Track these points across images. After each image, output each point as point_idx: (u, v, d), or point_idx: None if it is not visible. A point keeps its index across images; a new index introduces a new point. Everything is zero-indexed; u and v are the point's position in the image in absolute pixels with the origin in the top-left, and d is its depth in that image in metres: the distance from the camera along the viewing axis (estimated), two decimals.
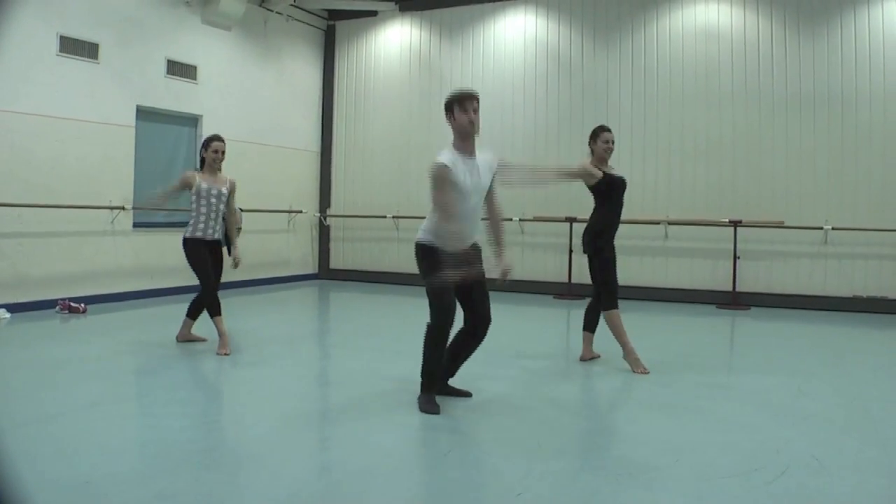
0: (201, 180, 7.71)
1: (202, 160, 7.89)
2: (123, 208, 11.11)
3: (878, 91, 11.50)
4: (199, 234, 7.70)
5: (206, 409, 5.83)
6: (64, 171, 10.37)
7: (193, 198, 7.73)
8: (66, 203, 10.34)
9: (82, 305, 10.16)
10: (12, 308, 9.64)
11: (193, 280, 7.59)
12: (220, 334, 7.69)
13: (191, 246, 7.70)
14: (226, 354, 7.51)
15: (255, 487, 3.98)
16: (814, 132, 11.88)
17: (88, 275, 10.81)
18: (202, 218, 7.70)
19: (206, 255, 7.72)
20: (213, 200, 7.73)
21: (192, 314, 8.10)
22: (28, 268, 10.04)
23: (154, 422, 5.28)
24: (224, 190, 7.83)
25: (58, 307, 10.10)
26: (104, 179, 10.92)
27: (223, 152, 7.85)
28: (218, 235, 7.87)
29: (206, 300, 7.80)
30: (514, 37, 13.97)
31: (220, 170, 7.90)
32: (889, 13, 11.44)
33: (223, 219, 7.91)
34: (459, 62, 14.40)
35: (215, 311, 7.74)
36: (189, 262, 7.75)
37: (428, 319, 5.55)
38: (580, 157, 13.08)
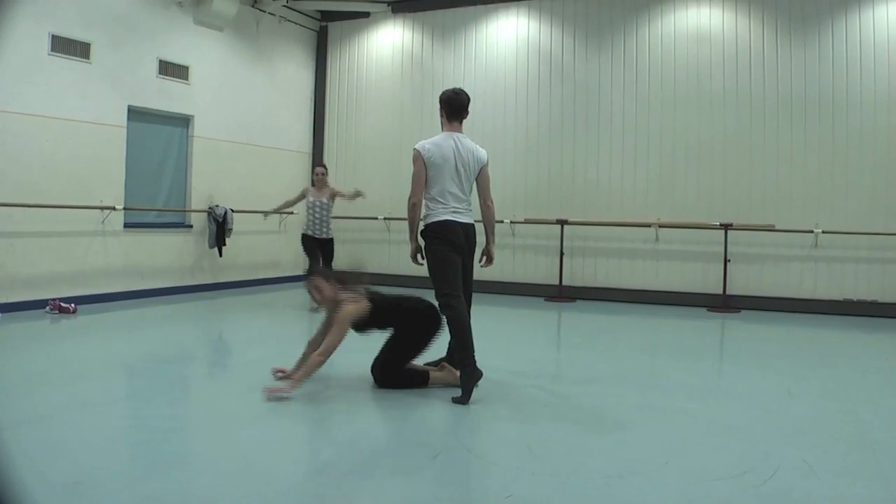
0: (309, 193, 11.22)
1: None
2: (114, 208, 11.07)
3: (869, 95, 11.55)
4: (308, 232, 11.12)
5: (197, 411, 5.83)
6: (55, 171, 10.32)
7: (307, 207, 11.19)
8: (57, 203, 10.28)
9: (72, 305, 10.11)
10: (2, 308, 9.60)
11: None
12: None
13: (303, 239, 11.25)
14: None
15: (246, 489, 3.98)
16: (804, 136, 11.93)
17: (79, 275, 10.78)
18: (309, 222, 11.13)
19: (313, 245, 11.08)
20: (318, 208, 11.06)
21: None
22: (18, 267, 10.00)
23: (144, 423, 5.26)
24: (325, 199, 11.11)
25: (48, 307, 10.05)
26: (95, 179, 10.88)
27: (322, 174, 11.40)
28: (324, 235, 11.13)
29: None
30: (507, 39, 13.99)
31: (325, 185, 11.30)
32: (879, 18, 11.50)
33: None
34: (452, 64, 14.41)
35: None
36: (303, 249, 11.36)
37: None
38: (571, 159, 13.24)
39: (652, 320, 11.04)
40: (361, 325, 6.21)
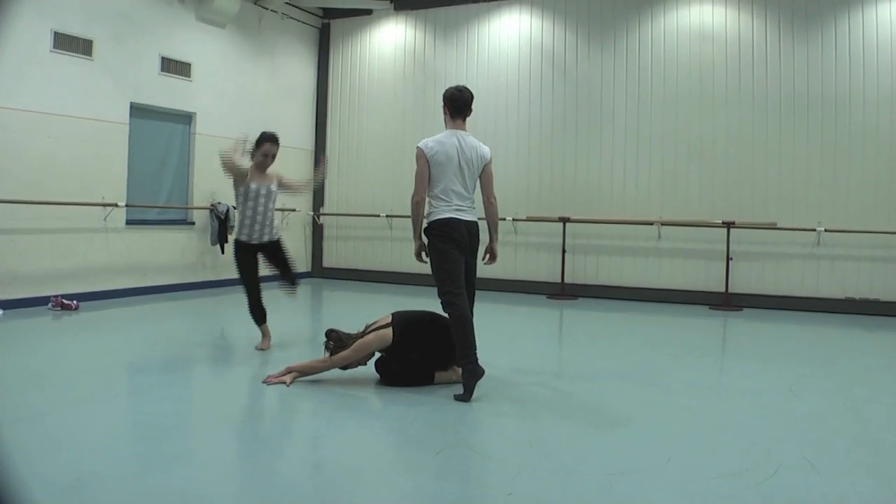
0: (251, 178, 7.54)
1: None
2: (116, 205, 11.09)
3: (871, 93, 11.54)
4: (243, 237, 7.59)
5: (198, 407, 5.84)
6: (57, 168, 10.34)
7: (241, 198, 7.55)
8: (59, 200, 10.31)
9: (75, 302, 10.14)
10: (4, 305, 9.62)
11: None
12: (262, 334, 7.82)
13: (236, 249, 7.70)
14: (261, 349, 7.61)
15: (246, 485, 4.00)
16: (807, 134, 11.92)
17: (81, 271, 10.79)
18: (247, 220, 7.55)
19: (249, 257, 7.62)
20: (263, 199, 7.54)
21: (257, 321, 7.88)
22: (20, 264, 10.02)
23: (145, 419, 5.27)
24: (273, 187, 7.66)
25: (50, 304, 10.07)
26: (97, 176, 10.89)
27: (274, 155, 7.71)
28: (267, 237, 7.65)
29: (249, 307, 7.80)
30: (509, 37, 13.98)
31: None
32: (882, 16, 11.49)
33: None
34: (454, 62, 14.40)
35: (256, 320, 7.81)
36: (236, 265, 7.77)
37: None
38: (573, 156, 13.23)
39: (654, 318, 11.04)
40: (399, 350, 6.25)
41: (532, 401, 5.98)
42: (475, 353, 5.92)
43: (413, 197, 6.24)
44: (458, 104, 6.35)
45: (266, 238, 7.63)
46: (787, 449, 4.70)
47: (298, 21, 15.13)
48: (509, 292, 13.25)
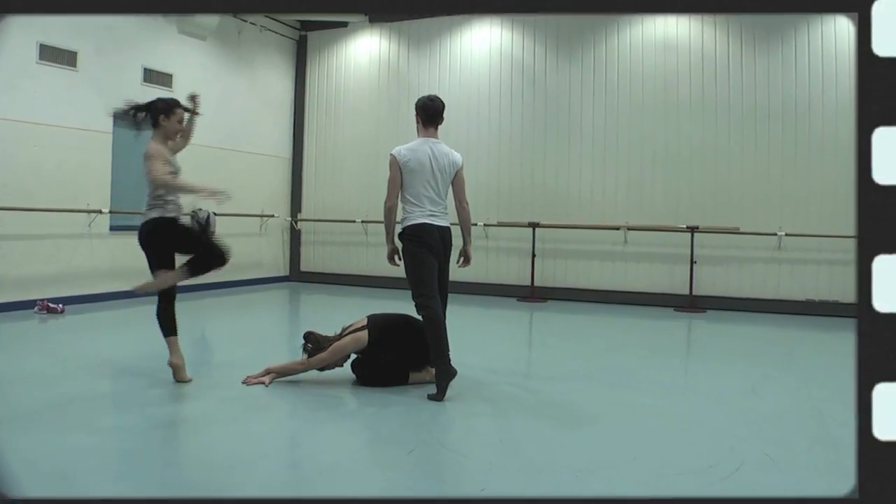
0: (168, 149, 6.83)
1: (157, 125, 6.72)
2: (101, 211, 11.26)
3: (830, 103, 11.84)
4: (174, 214, 6.74)
5: (180, 408, 5.88)
6: (43, 176, 10.49)
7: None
8: (45, 206, 10.47)
9: (60, 306, 10.30)
10: None
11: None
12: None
13: (167, 228, 6.70)
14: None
15: (224, 483, 4.12)
16: (768, 142, 12.25)
17: (66, 276, 10.95)
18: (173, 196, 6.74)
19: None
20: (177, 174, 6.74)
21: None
22: (7, 269, 10.18)
23: (128, 420, 5.37)
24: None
25: (36, 307, 10.23)
26: (82, 183, 11.06)
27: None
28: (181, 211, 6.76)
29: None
30: (480, 48, 14.23)
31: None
32: (840, 29, 11.80)
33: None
34: (427, 73, 14.64)
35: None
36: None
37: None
38: (542, 164, 13.47)
39: (621, 320, 11.24)
40: (374, 352, 6.41)
41: (503, 400, 6.09)
42: (448, 354, 6.06)
43: (385, 202, 6.40)
44: (430, 113, 6.49)
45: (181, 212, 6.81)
46: (749, 446, 4.81)
47: (276, 33, 15.30)
48: (481, 295, 13.41)
